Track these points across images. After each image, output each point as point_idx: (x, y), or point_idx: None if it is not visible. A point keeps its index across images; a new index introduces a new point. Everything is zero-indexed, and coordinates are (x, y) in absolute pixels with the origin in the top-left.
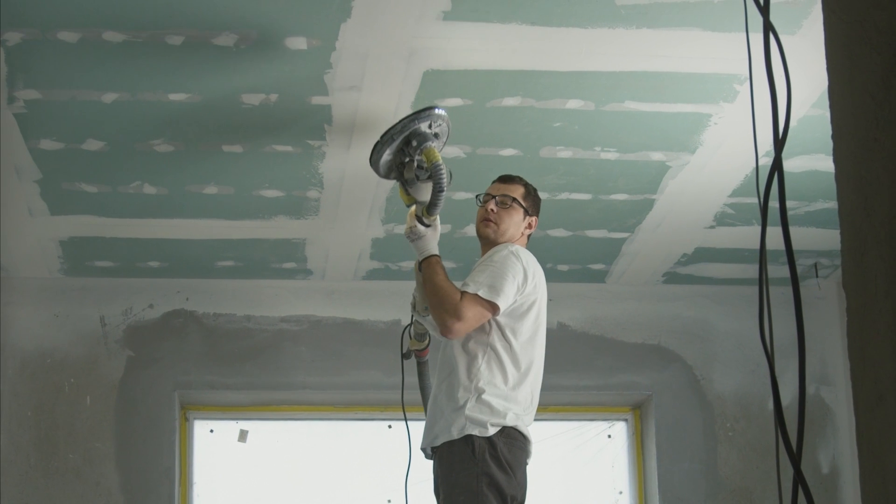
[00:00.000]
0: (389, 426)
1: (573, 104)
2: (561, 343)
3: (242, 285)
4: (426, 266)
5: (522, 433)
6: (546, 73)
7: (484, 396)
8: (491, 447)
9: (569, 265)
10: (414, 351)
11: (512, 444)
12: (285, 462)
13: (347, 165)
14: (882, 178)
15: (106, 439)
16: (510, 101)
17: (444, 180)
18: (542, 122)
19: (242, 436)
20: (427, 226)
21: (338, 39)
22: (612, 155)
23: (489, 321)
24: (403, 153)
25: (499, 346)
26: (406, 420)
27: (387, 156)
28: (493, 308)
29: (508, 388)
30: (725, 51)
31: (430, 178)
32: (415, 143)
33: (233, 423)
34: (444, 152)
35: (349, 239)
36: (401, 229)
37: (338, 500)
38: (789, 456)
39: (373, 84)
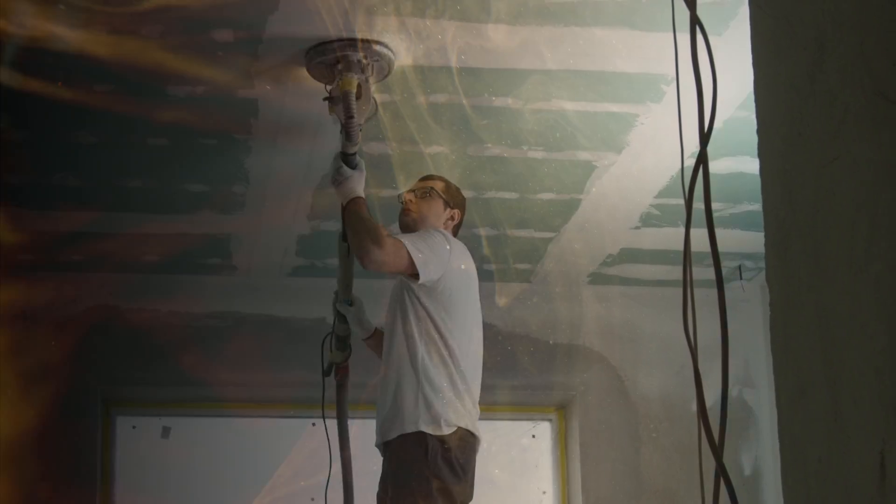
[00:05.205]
0: (313, 424)
1: (501, 102)
2: (486, 343)
3: (167, 280)
4: (352, 205)
5: (473, 433)
6: (475, 70)
7: (433, 394)
8: (444, 450)
9: (494, 264)
10: (335, 365)
11: (465, 446)
12: (208, 459)
13: (273, 160)
14: (805, 172)
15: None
16: (438, 98)
17: (353, 108)
18: (470, 119)
19: (165, 432)
20: (352, 167)
21: (265, 31)
22: (539, 154)
23: (426, 315)
24: (333, 73)
25: (439, 342)
26: (326, 427)
27: (319, 61)
28: (413, 269)
29: (454, 386)
30: (653, 51)
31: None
32: (340, 68)
33: (156, 419)
34: (370, 147)
35: (275, 235)
36: (327, 226)
37: (261, 497)
38: (711, 447)
39: (299, 78)
